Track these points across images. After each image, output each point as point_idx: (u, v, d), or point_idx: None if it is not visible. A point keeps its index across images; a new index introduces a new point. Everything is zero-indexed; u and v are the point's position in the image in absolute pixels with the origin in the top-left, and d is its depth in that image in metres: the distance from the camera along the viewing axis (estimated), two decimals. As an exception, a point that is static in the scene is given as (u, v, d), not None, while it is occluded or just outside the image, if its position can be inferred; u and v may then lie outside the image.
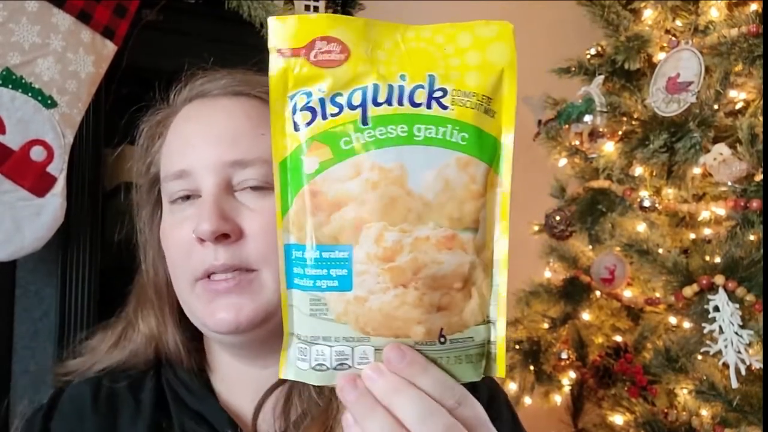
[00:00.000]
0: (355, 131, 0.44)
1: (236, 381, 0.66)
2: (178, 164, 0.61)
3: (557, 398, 1.86)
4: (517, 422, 0.71)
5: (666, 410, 1.52)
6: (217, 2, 1.17)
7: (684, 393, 1.47)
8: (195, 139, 0.61)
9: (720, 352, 1.31)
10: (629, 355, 1.65)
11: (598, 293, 1.78)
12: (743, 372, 1.28)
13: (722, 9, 1.54)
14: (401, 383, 0.42)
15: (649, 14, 1.71)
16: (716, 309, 1.33)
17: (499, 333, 0.46)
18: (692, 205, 1.52)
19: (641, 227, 1.63)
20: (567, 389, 1.85)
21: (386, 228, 0.43)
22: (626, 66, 1.67)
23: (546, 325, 1.86)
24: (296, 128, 0.45)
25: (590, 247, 1.80)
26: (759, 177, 1.37)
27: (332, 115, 0.44)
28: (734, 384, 1.29)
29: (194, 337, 0.68)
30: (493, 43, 0.46)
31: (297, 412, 0.61)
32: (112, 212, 1.13)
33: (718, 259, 1.40)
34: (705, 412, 1.41)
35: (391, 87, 0.44)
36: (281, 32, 0.45)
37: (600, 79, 1.68)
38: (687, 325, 1.47)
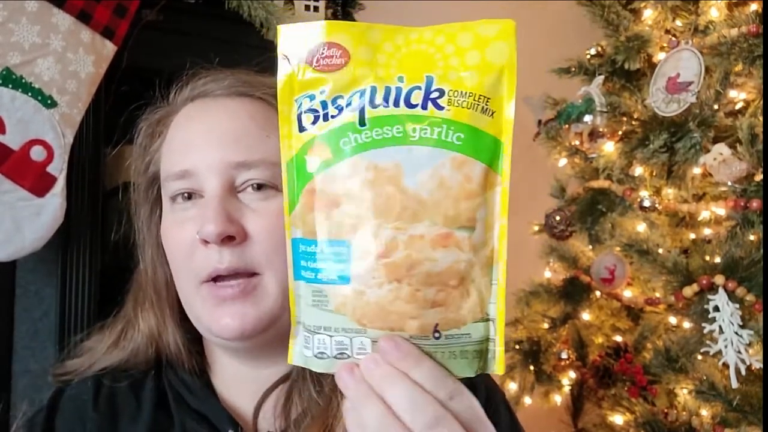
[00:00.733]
0: (353, 132, 0.46)
1: (237, 381, 0.67)
2: (180, 164, 0.61)
3: (557, 398, 1.86)
4: (515, 422, 0.71)
5: (666, 410, 1.52)
6: (217, 2, 1.17)
7: (684, 393, 1.47)
8: (198, 140, 0.61)
9: (720, 352, 1.31)
10: (629, 355, 1.65)
11: (598, 293, 1.78)
12: (743, 372, 1.28)
13: (722, 9, 1.54)
14: (395, 374, 0.44)
15: (649, 14, 1.71)
16: (716, 309, 1.33)
17: (498, 330, 0.48)
18: (692, 205, 1.52)
19: (641, 227, 1.63)
20: (567, 389, 1.85)
21: (382, 225, 0.45)
22: (626, 66, 1.67)
23: (546, 325, 1.86)
24: (301, 129, 0.47)
25: (590, 247, 1.80)
26: (759, 177, 1.37)
27: (333, 116, 0.46)
28: (734, 384, 1.29)
29: (194, 337, 0.68)
30: (493, 43, 0.47)
31: (297, 411, 0.62)
32: (112, 212, 1.13)
33: (718, 259, 1.40)
34: (705, 412, 1.41)
35: (388, 89, 0.46)
36: (288, 38, 0.47)
37: (600, 79, 1.68)
38: (687, 325, 1.47)
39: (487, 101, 0.46)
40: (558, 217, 1.78)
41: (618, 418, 1.66)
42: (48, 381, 0.71)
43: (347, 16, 1.33)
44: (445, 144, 0.45)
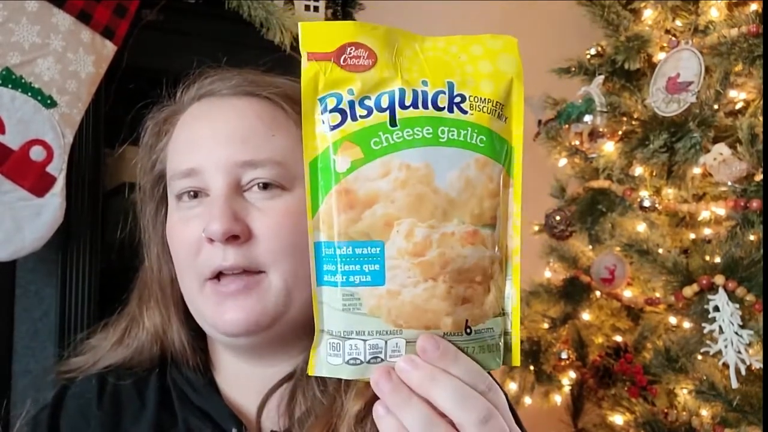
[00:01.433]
0: (384, 132, 0.46)
1: (240, 379, 0.67)
2: (186, 162, 0.61)
3: (557, 398, 1.86)
4: (517, 421, 0.71)
5: (666, 410, 1.52)
6: (217, 2, 1.17)
7: (684, 393, 1.47)
8: (204, 138, 0.61)
9: (720, 352, 1.31)
10: (629, 355, 1.65)
11: (598, 293, 1.78)
12: (743, 372, 1.28)
13: (722, 9, 1.54)
14: (437, 372, 0.44)
15: (649, 14, 1.71)
16: (716, 309, 1.33)
17: (513, 324, 0.50)
18: (692, 205, 1.52)
19: (641, 227, 1.63)
20: (567, 389, 1.85)
21: (415, 224, 0.46)
22: (626, 66, 1.67)
23: (546, 325, 1.86)
24: (326, 129, 0.47)
25: (590, 247, 1.80)
26: (759, 177, 1.37)
27: (362, 116, 0.47)
28: (734, 384, 1.29)
29: (198, 335, 0.69)
30: (501, 54, 0.50)
31: (301, 410, 0.62)
32: (112, 212, 1.13)
33: (718, 259, 1.40)
34: (705, 412, 1.41)
35: (415, 92, 0.47)
36: (312, 36, 0.47)
37: (600, 79, 1.68)
38: (687, 325, 1.48)
39: (501, 108, 0.49)
40: (558, 217, 1.78)
41: (618, 418, 1.66)
42: (48, 381, 0.71)
43: (347, 16, 1.33)
44: (469, 146, 0.47)
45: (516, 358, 0.49)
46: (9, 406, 0.96)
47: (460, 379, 0.44)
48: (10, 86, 0.93)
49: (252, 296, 0.58)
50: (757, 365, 1.29)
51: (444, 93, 0.47)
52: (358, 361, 0.46)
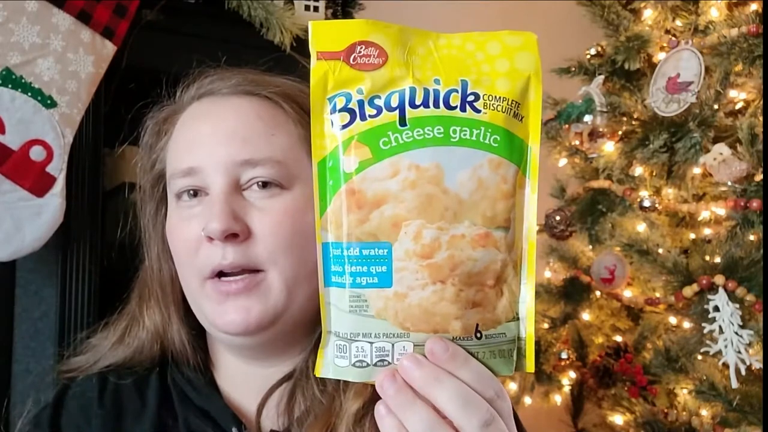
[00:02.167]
0: (393, 132, 0.46)
1: (240, 379, 0.67)
2: (186, 161, 0.61)
3: (557, 398, 1.86)
4: (518, 422, 0.71)
5: (666, 410, 1.52)
6: (217, 2, 1.17)
7: (684, 393, 1.47)
8: (204, 137, 0.61)
9: (720, 352, 1.31)
10: (629, 355, 1.65)
11: (598, 293, 1.78)
12: (743, 372, 1.28)
13: (722, 9, 1.54)
14: (441, 373, 0.43)
15: (649, 14, 1.71)
16: (716, 309, 1.33)
17: (528, 329, 0.48)
18: (692, 205, 1.52)
19: (641, 227, 1.63)
20: (567, 389, 1.85)
21: (424, 226, 0.45)
22: (626, 66, 1.67)
23: (546, 325, 1.86)
24: (335, 128, 0.46)
25: (590, 247, 1.80)
26: (759, 177, 1.37)
27: (371, 116, 0.46)
28: (734, 384, 1.29)
29: (199, 334, 0.69)
30: (520, 52, 0.48)
31: (300, 410, 0.62)
32: (112, 212, 1.13)
33: (718, 259, 1.40)
34: (705, 412, 1.41)
35: (426, 90, 0.46)
36: (322, 35, 0.47)
37: (600, 79, 1.68)
38: (687, 325, 1.48)
39: (518, 106, 0.48)
40: (558, 217, 1.78)
41: (618, 418, 1.66)
42: (48, 381, 0.71)
43: (347, 16, 1.33)
44: (482, 146, 0.46)
45: (530, 364, 0.48)
46: (9, 406, 0.96)
47: (468, 383, 0.44)
48: (10, 86, 0.93)
49: (252, 296, 0.58)
50: (757, 365, 1.29)
51: (457, 91, 0.46)
52: (365, 364, 0.45)
